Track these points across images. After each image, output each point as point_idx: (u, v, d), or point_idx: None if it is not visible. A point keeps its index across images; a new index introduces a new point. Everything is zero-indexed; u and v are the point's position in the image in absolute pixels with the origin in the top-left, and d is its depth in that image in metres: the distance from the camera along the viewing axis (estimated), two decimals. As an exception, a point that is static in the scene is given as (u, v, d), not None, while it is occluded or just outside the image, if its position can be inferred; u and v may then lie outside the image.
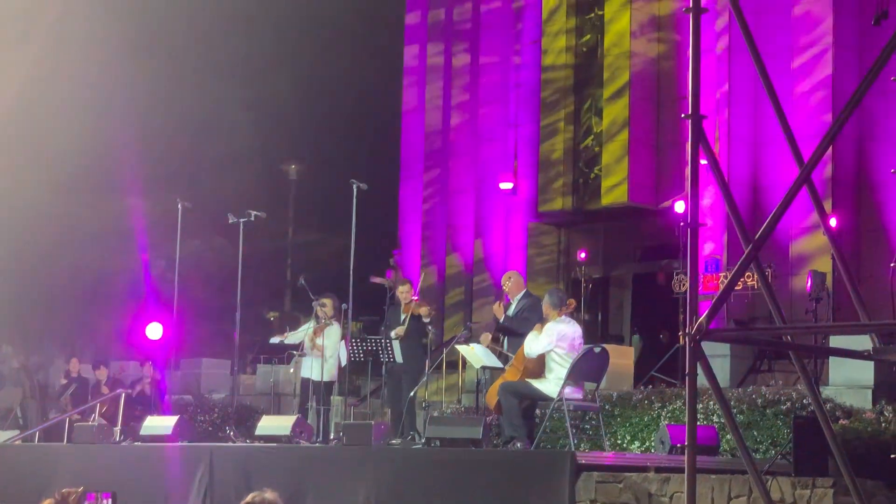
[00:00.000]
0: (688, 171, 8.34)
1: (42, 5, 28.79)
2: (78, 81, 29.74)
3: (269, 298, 19.22)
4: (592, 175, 26.53)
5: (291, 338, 18.55)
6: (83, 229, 31.11)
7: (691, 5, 7.83)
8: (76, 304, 30.35)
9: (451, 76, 29.57)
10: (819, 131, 21.91)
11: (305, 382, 18.07)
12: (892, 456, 9.35)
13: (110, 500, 14.19)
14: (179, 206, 19.55)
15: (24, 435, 19.75)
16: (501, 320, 16.09)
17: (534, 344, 14.62)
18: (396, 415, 17.51)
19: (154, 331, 23.68)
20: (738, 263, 7.80)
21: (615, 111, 25.83)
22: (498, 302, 16.49)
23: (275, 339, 19.04)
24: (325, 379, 17.90)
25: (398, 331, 17.19)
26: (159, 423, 16.81)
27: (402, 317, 17.29)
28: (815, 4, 23.51)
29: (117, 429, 18.11)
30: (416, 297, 17.54)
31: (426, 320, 17.27)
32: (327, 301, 18.17)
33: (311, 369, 17.86)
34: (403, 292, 17.54)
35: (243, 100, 35.38)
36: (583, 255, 25.89)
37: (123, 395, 19.82)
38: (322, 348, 17.70)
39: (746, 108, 23.91)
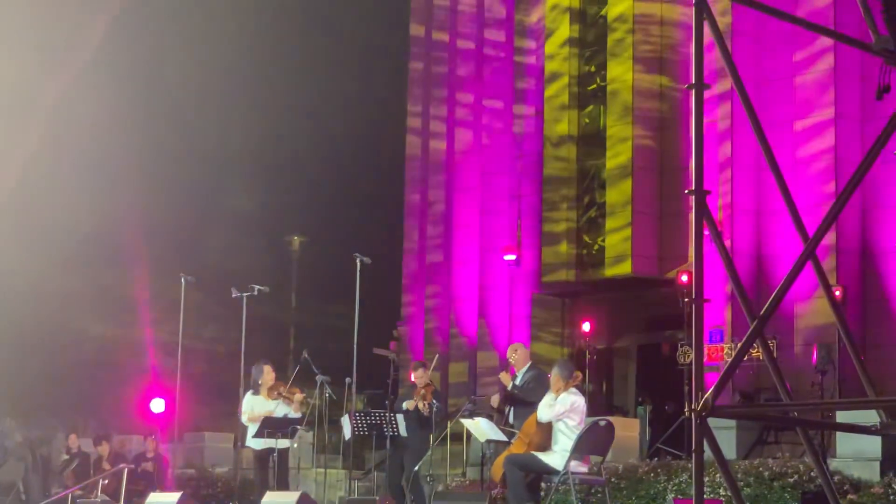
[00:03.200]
0: (691, 245, 8.32)
1: (46, 81, 28.97)
2: (81, 156, 29.89)
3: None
4: (596, 246, 26.54)
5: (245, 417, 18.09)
6: (86, 303, 31.11)
7: (693, 81, 7.84)
8: (78, 377, 30.27)
9: (453, 148, 29.67)
10: (822, 200, 21.95)
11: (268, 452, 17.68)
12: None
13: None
14: (183, 280, 19.50)
15: (27, 511, 19.62)
16: (509, 387, 16.04)
17: (548, 410, 14.56)
18: (397, 489, 17.36)
19: (157, 405, 23.62)
20: (744, 339, 7.76)
21: (618, 182, 25.88)
22: (504, 371, 16.47)
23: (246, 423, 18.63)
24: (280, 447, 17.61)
25: (409, 404, 17.12)
26: (163, 500, 16.70)
27: (413, 401, 17.19)
28: (816, 75, 23.61)
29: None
30: (430, 385, 17.41)
31: (424, 414, 17.14)
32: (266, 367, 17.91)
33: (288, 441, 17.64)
34: (419, 377, 17.46)
35: (246, 172, 35.51)
36: (587, 325, 25.82)
37: (126, 470, 19.69)
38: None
39: (749, 178, 23.94)
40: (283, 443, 17.75)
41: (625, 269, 25.48)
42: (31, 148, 29.14)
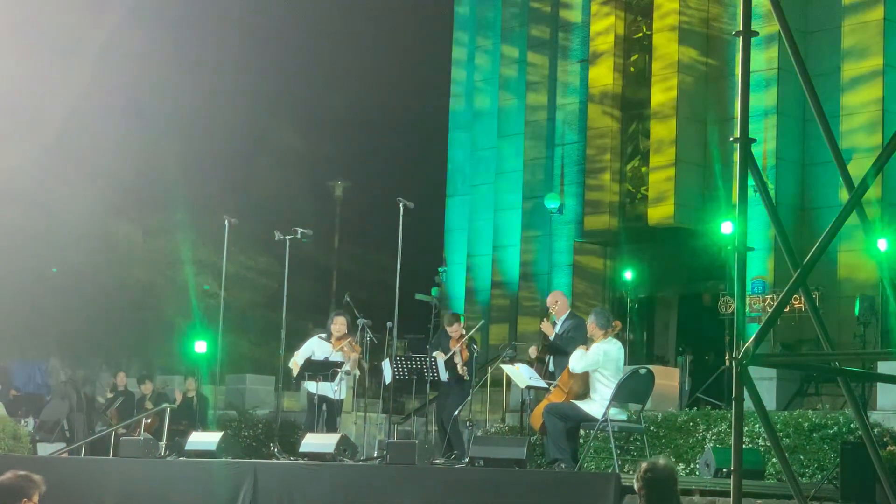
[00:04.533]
0: (735, 194, 8.30)
1: (92, 23, 29.04)
2: (127, 100, 30.01)
3: (314, 316, 19.25)
4: (639, 195, 26.48)
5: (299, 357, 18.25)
6: (132, 246, 31.32)
7: (741, 28, 7.80)
8: (123, 318, 30.53)
9: (497, 95, 29.61)
10: (869, 152, 21.81)
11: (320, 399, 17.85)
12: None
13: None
14: (226, 222, 19.56)
15: (71, 448, 19.86)
16: (551, 338, 16.05)
17: (579, 361, 14.55)
18: (441, 433, 17.48)
19: (200, 346, 23.81)
20: (786, 288, 7.76)
21: (662, 131, 25.76)
22: (545, 319, 16.45)
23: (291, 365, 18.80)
24: (339, 397, 17.78)
25: (439, 354, 17.15)
26: (204, 439, 16.83)
27: (451, 351, 17.23)
28: (864, 24, 23.41)
29: (162, 443, 18.16)
30: (463, 338, 17.43)
31: (460, 372, 17.17)
32: (339, 318, 18.06)
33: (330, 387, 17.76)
34: (452, 331, 17.47)
35: (291, 118, 35.55)
36: (629, 274, 25.81)
37: (168, 409, 19.88)
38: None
39: (794, 127, 23.81)
40: (341, 391, 17.87)
41: (668, 218, 25.41)
42: (78, 90, 29.27)
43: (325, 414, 17.65)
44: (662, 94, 25.83)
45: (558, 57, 28.29)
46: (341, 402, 18.04)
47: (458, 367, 17.09)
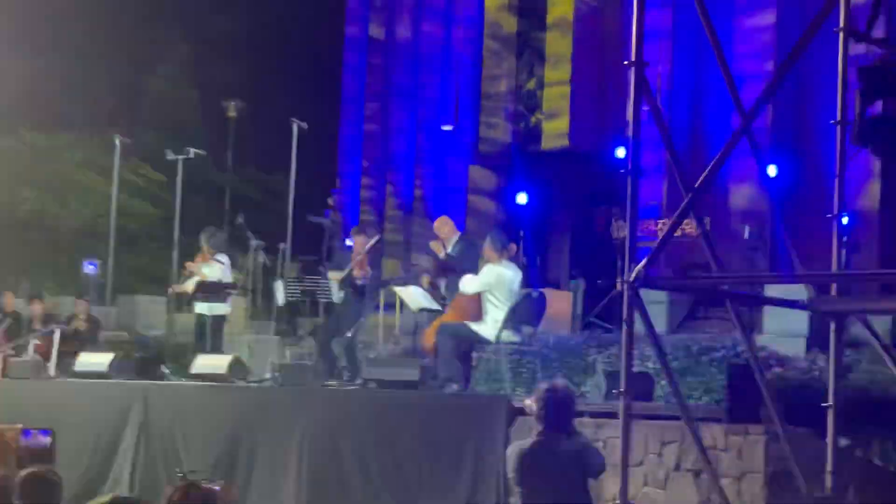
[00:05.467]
0: (629, 117, 8.34)
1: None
2: (12, 16, 29.34)
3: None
4: (534, 119, 26.51)
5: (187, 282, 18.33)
6: (19, 165, 30.80)
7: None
8: (12, 239, 30.06)
9: (393, 15, 29.41)
10: (761, 77, 21.96)
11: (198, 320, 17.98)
12: (823, 405, 9.45)
13: (49, 437, 14.14)
14: (117, 141, 19.31)
15: (-42, 369, 19.53)
16: (440, 256, 16.05)
17: (472, 282, 14.59)
18: (328, 353, 17.38)
19: (90, 267, 23.51)
20: (677, 212, 7.83)
21: (558, 54, 25.76)
22: (435, 241, 16.43)
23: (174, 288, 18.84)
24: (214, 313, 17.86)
25: (335, 275, 17.00)
26: (94, 360, 16.70)
27: (348, 267, 17.03)
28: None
29: (51, 364, 17.97)
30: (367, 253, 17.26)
31: (358, 282, 17.03)
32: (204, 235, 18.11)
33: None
34: (359, 243, 17.22)
35: (184, 36, 35.04)
36: (522, 198, 25.86)
37: (58, 331, 19.64)
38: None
39: (689, 53, 23.91)
40: (218, 308, 17.83)
41: (563, 141, 25.49)
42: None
43: (211, 332, 17.68)
44: (555, 34, 25.80)
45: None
46: (222, 316, 18.07)
47: (358, 278, 16.91)
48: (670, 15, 23.84)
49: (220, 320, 17.98)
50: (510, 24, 26.82)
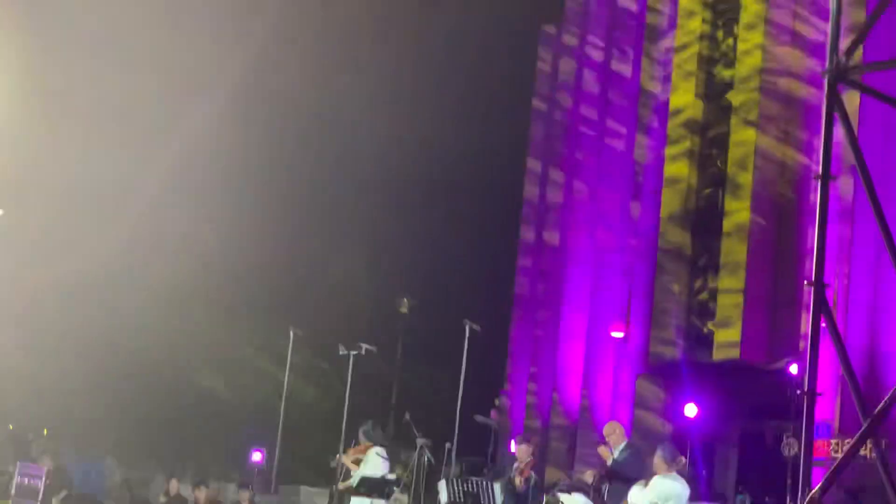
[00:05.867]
0: (805, 334, 8.21)
1: (175, 116, 29.40)
2: (199, 203, 30.24)
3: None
4: (705, 330, 26.31)
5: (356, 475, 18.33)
6: (194, 350, 31.41)
7: (821, 172, 7.77)
8: (182, 424, 30.54)
9: (568, 221, 29.67)
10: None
11: None
12: None
13: None
14: (292, 333, 19.61)
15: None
16: (608, 463, 15.86)
17: (639, 496, 14.33)
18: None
19: (256, 455, 23.72)
20: (856, 437, 7.63)
21: (731, 266, 25.64)
22: (603, 444, 16.25)
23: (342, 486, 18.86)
24: None
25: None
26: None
27: (510, 474, 17.03)
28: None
29: (213, 553, 18.03)
30: (531, 461, 17.24)
31: (518, 491, 16.95)
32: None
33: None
34: (522, 451, 17.27)
35: (359, 235, 35.72)
36: (691, 409, 25.55)
37: (221, 518, 19.74)
38: None
39: (867, 271, 23.60)
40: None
41: (734, 354, 25.21)
42: (159, 184, 29.63)
43: None
44: (732, 242, 25.74)
45: (630, 193, 28.37)
46: None
47: (518, 487, 16.83)
48: (849, 229, 23.63)
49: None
50: (685, 235, 26.83)
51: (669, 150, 27.34)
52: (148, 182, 29.68)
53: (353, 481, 17.68)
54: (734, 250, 25.64)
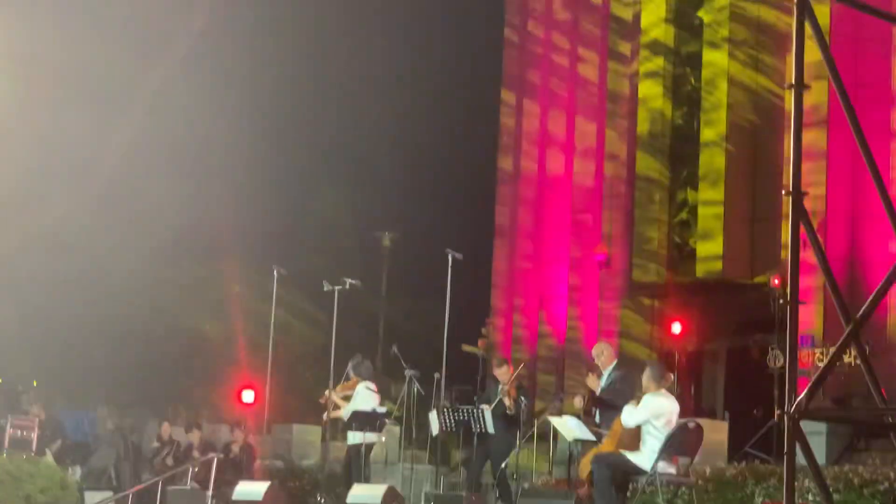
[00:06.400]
0: (785, 248, 8.28)
1: (144, 75, 29.34)
2: (176, 150, 30.22)
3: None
4: (687, 247, 26.42)
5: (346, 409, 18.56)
6: (179, 295, 31.47)
7: (794, 81, 7.80)
8: (171, 368, 30.65)
9: (545, 145, 29.68)
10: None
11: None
12: None
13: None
14: (275, 272, 19.68)
15: (118, 497, 19.90)
16: (597, 392, 16.00)
17: (632, 416, 14.50)
18: (478, 485, 17.41)
19: (247, 395, 23.86)
20: (839, 343, 7.72)
21: (709, 189, 25.73)
22: (591, 374, 16.38)
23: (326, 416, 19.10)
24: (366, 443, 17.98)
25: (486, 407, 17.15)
26: (251, 489, 16.86)
27: (498, 396, 17.21)
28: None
29: (209, 493, 18.18)
30: (514, 381, 17.38)
31: (509, 412, 17.13)
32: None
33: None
34: (501, 374, 17.44)
35: (339, 169, 35.72)
36: (677, 327, 25.71)
37: (216, 459, 19.90)
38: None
39: (844, 180, 23.69)
40: (370, 437, 17.91)
41: (716, 271, 25.34)
42: (128, 139, 29.56)
43: (356, 461, 17.85)
44: (710, 153, 25.83)
45: (608, 106, 28.35)
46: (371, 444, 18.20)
47: (507, 408, 17.01)
48: (825, 135, 23.69)
49: (368, 449, 18.08)
50: (663, 151, 26.87)
51: (642, 69, 27.31)
52: (124, 129, 29.60)
53: (345, 415, 17.81)
54: (712, 162, 25.70)
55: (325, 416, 19.26)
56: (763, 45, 25.89)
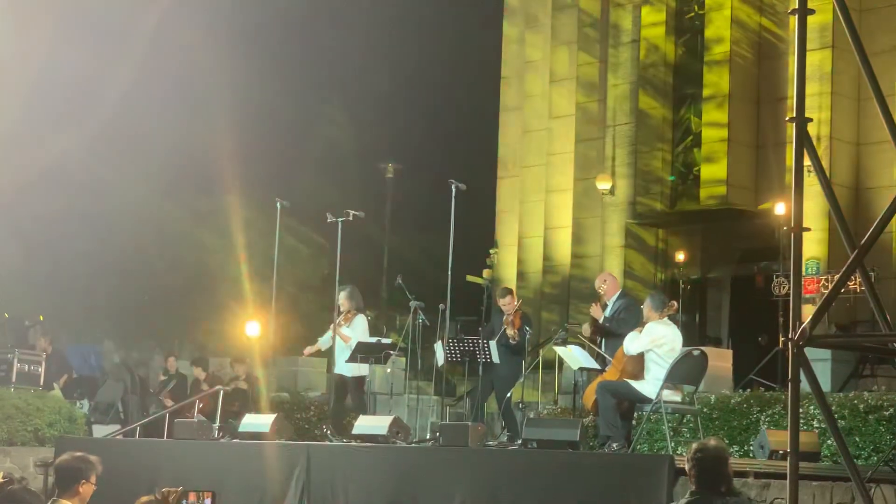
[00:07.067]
0: (789, 173, 8.21)
1: (144, 9, 29.16)
2: (178, 83, 30.09)
3: (366, 298, 19.27)
4: (691, 176, 26.36)
5: (322, 343, 18.63)
6: (183, 228, 31.45)
7: (798, 6, 7.72)
8: (176, 301, 30.67)
9: (548, 76, 29.53)
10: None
11: (339, 379, 18.22)
12: None
13: (211, 501, 14.30)
14: (278, 204, 19.62)
15: (125, 430, 19.99)
16: (600, 321, 16.02)
17: (634, 343, 14.53)
18: (482, 415, 17.52)
19: (252, 328, 23.90)
20: (843, 269, 7.68)
21: (714, 111, 25.63)
22: (595, 303, 16.40)
23: (308, 350, 19.17)
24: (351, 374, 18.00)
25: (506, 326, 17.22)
26: (257, 421, 16.91)
27: (502, 327, 17.25)
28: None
29: (216, 425, 18.24)
30: (518, 311, 17.39)
31: (513, 342, 17.15)
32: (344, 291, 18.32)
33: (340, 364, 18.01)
34: (505, 304, 17.45)
35: (341, 100, 35.58)
36: (681, 256, 25.70)
37: (222, 391, 19.96)
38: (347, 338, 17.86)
39: (849, 108, 23.59)
40: (359, 369, 17.99)
41: (720, 198, 25.30)
42: (129, 74, 29.42)
43: (354, 392, 17.96)
44: (714, 74, 25.71)
45: (609, 39, 28.18)
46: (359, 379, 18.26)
47: (511, 337, 17.05)
48: (829, 67, 23.56)
49: (360, 381, 18.16)
50: (666, 80, 26.75)
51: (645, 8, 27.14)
52: (124, 64, 29.46)
53: (350, 345, 17.84)
54: (718, 83, 25.59)
55: (306, 349, 19.30)
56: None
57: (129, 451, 17.41)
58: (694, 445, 8.53)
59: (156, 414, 21.03)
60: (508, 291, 17.93)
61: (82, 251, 29.23)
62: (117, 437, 19.39)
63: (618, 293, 16.35)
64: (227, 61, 30.80)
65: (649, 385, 14.34)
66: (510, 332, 17.03)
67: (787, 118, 7.83)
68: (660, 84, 26.77)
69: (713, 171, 25.46)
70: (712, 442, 8.66)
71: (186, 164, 30.44)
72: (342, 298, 18.29)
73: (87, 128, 28.69)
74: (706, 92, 25.81)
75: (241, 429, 16.86)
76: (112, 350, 27.82)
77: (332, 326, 18.25)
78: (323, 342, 18.56)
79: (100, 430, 21.33)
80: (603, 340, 16.14)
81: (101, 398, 22.91)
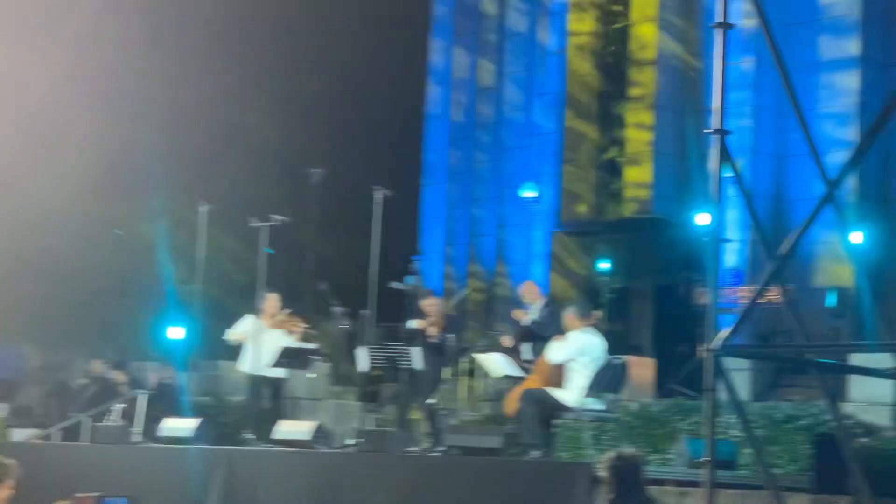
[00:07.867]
0: (712, 184, 8.31)
1: (69, 6, 28.92)
2: (102, 85, 29.85)
3: (289, 303, 19.25)
4: (616, 185, 26.50)
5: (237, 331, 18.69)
6: (105, 229, 31.21)
7: (719, 21, 7.81)
8: (97, 303, 30.41)
9: (475, 83, 29.61)
10: (846, 145, 21.84)
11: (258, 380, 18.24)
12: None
13: (126, 504, 14.22)
14: (201, 208, 19.55)
15: (45, 434, 19.80)
16: (521, 323, 16.11)
17: (555, 353, 14.62)
18: (405, 420, 17.55)
19: (176, 332, 23.76)
20: (762, 279, 7.78)
21: (640, 121, 25.78)
22: (517, 309, 16.51)
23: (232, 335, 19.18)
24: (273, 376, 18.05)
25: (419, 323, 17.24)
26: (179, 425, 16.83)
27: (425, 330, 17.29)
28: (842, 19, 23.44)
29: (137, 430, 18.14)
30: (441, 313, 17.44)
31: (432, 340, 17.19)
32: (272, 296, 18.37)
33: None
34: (427, 304, 17.51)
35: (266, 102, 35.43)
36: (605, 265, 25.84)
37: (143, 396, 19.84)
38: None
39: (771, 120, 23.82)
40: (277, 372, 18.00)
41: (645, 208, 25.47)
42: (54, 74, 29.16)
43: (275, 396, 17.96)
44: (639, 87, 25.88)
45: (536, 48, 28.31)
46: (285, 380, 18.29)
47: (432, 336, 17.09)
48: (753, 79, 23.77)
49: (279, 384, 18.20)
50: (593, 89, 26.88)
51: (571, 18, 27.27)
52: (49, 61, 29.19)
53: (239, 335, 17.90)
54: (645, 82, 25.73)
55: (230, 334, 19.26)
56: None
57: (48, 456, 17.24)
58: (610, 454, 8.63)
59: (76, 418, 20.84)
60: (429, 293, 18.05)
61: (2, 251, 28.92)
62: (36, 441, 19.20)
63: (543, 301, 16.45)
64: (151, 60, 30.64)
65: (572, 393, 14.44)
66: (433, 331, 17.08)
67: (707, 131, 7.93)
68: (587, 95, 26.89)
69: (638, 174, 25.63)
70: (627, 450, 8.77)
71: (110, 164, 30.20)
72: (273, 301, 18.27)
73: (10, 125, 28.40)
74: (632, 102, 25.96)
75: (162, 433, 16.78)
76: (31, 353, 27.51)
77: (259, 317, 18.14)
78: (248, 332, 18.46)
79: (19, 434, 21.10)
80: (527, 347, 16.23)
81: (21, 402, 22.68)
